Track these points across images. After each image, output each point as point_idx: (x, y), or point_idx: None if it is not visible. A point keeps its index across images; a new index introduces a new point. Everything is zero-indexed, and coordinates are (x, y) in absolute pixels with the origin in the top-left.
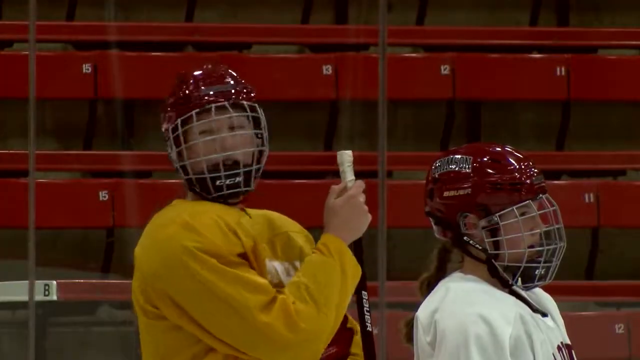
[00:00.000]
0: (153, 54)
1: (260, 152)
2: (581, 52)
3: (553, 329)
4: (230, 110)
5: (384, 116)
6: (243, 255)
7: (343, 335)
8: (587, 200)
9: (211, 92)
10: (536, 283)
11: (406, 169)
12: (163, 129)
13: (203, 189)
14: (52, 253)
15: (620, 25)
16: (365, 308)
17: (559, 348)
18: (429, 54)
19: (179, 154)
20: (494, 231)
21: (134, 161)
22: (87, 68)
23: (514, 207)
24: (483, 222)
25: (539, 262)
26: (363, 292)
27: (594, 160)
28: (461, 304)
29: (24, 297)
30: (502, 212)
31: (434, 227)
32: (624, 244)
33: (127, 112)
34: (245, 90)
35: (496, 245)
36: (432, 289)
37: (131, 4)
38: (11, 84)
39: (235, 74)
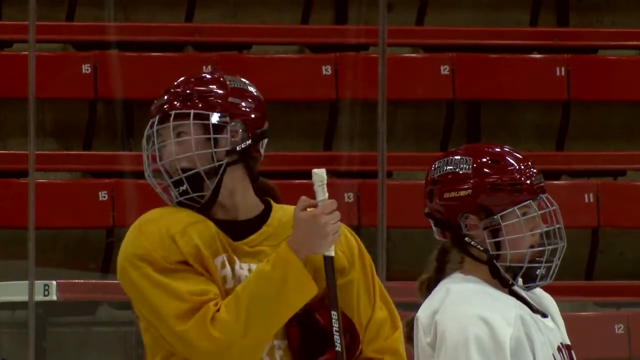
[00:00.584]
0: (153, 54)
1: (213, 156)
2: (581, 52)
3: (553, 330)
4: (170, 121)
5: (383, 116)
6: (184, 262)
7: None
8: (587, 200)
9: (155, 105)
10: (537, 283)
11: (406, 169)
12: None
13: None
14: (52, 253)
15: (620, 26)
16: (334, 328)
17: (558, 349)
18: (428, 54)
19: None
20: (495, 232)
21: (134, 161)
22: (86, 68)
23: (516, 208)
24: (484, 223)
25: (540, 262)
26: (333, 312)
27: (594, 161)
28: (461, 305)
29: (24, 297)
30: (503, 213)
31: (434, 228)
32: (624, 244)
33: (127, 112)
34: (175, 102)
35: (497, 245)
36: (432, 289)
37: (131, 4)
38: (11, 84)
39: (190, 83)
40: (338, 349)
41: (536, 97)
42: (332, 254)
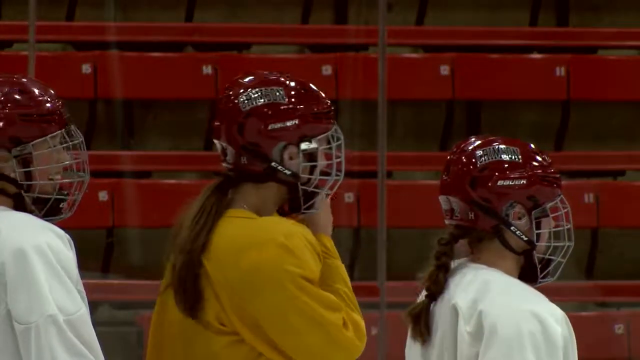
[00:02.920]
0: (153, 54)
1: None
2: (581, 53)
3: None
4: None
5: (383, 116)
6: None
7: None
8: (586, 200)
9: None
10: (549, 279)
11: (406, 169)
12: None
13: (302, 201)
14: None
15: (620, 26)
16: None
17: None
18: (428, 54)
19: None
20: (538, 223)
21: (134, 161)
22: (86, 68)
23: (558, 201)
24: (535, 213)
25: (552, 259)
26: None
27: (593, 161)
28: (511, 299)
29: None
30: (547, 205)
31: (466, 214)
32: (624, 244)
33: (127, 112)
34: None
35: (537, 237)
36: (443, 280)
37: (131, 4)
38: None
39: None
40: None
41: (536, 97)
42: None
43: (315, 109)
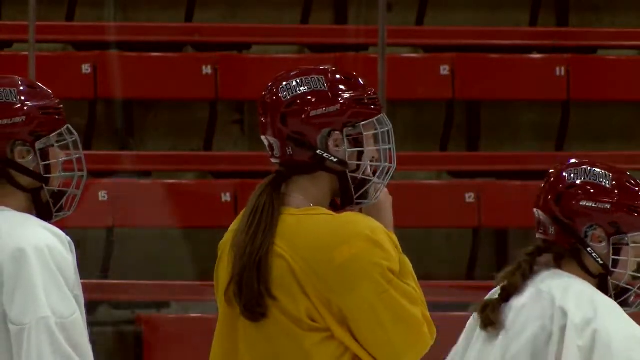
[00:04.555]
0: (153, 54)
1: None
2: (581, 53)
3: None
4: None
5: None
6: None
7: None
8: None
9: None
10: (631, 309)
11: (406, 169)
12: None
13: (354, 190)
14: None
15: (620, 26)
16: None
17: None
18: (428, 54)
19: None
20: (617, 250)
21: (134, 161)
22: (86, 68)
23: None
24: (614, 239)
25: (629, 289)
26: None
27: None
28: (617, 321)
29: None
30: (630, 235)
31: (548, 228)
32: None
33: (127, 112)
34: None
35: (614, 264)
36: (519, 289)
37: (131, 4)
38: None
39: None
40: None
41: (536, 97)
42: None
43: (357, 95)
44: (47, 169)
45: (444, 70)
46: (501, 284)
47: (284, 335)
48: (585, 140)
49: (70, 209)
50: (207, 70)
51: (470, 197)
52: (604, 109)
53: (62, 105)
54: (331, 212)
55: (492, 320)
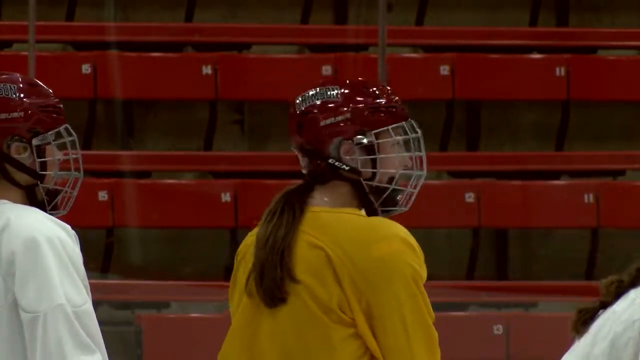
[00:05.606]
0: (153, 54)
1: None
2: (581, 53)
3: None
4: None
5: None
6: None
7: None
8: (586, 200)
9: (400, 106)
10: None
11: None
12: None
13: (383, 201)
14: None
15: (620, 26)
16: None
17: None
18: (428, 54)
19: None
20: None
21: (134, 161)
22: (86, 68)
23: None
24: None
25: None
26: None
27: (593, 161)
28: None
29: None
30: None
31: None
32: (624, 244)
33: (127, 112)
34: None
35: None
36: (622, 293)
37: (131, 4)
38: None
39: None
40: None
41: (536, 97)
42: None
43: (370, 102)
44: (43, 166)
45: (444, 70)
46: (603, 293)
47: (312, 326)
48: (585, 140)
49: (64, 209)
50: (207, 70)
51: (470, 197)
52: (604, 109)
53: (61, 105)
54: (361, 213)
55: (579, 330)
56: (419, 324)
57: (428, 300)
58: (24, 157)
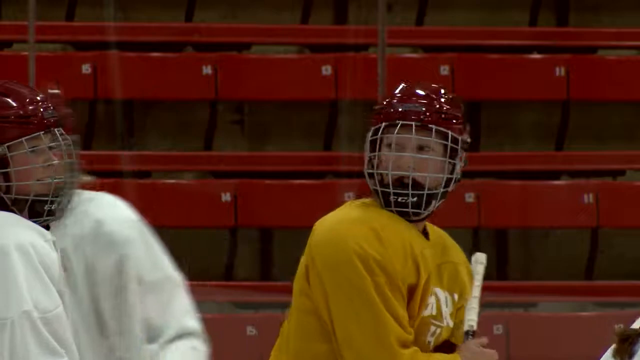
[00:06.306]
0: (153, 54)
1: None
2: (581, 53)
3: None
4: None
5: None
6: (413, 286)
7: None
8: (586, 200)
9: (405, 110)
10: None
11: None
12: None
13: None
14: None
15: (620, 26)
16: None
17: None
18: (428, 54)
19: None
20: None
21: (134, 161)
22: (86, 68)
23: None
24: None
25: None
26: None
27: (593, 161)
28: None
29: None
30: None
31: None
32: (624, 244)
33: (127, 112)
34: (433, 115)
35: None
36: None
37: (131, 4)
38: None
39: (436, 95)
40: None
41: (536, 97)
42: None
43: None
44: (7, 177)
45: (444, 70)
46: None
47: (294, 302)
48: (585, 141)
49: (53, 215)
50: (207, 70)
51: (470, 197)
52: (604, 109)
53: (40, 111)
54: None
55: (623, 356)
56: (364, 313)
57: (385, 290)
58: None
